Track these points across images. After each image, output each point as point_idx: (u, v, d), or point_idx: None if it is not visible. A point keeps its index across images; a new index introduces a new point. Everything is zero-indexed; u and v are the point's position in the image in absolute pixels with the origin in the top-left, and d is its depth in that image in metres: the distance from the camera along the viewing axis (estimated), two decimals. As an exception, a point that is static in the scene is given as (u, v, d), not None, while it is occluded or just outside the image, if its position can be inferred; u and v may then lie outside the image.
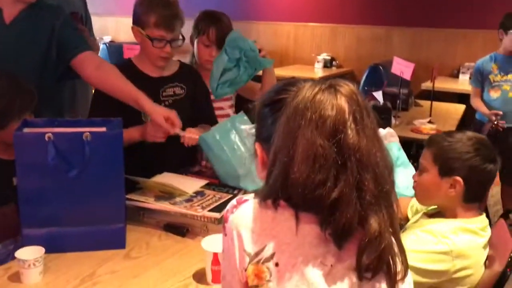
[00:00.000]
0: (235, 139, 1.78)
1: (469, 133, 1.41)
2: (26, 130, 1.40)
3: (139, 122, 1.82)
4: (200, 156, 2.03)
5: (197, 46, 2.12)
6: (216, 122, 1.99)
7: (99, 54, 2.44)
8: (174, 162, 1.87)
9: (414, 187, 1.49)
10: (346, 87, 0.82)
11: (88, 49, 1.84)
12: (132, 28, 1.87)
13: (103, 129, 1.46)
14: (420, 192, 1.48)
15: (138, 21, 1.85)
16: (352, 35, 5.83)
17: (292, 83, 0.90)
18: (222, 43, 2.03)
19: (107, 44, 5.54)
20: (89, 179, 1.38)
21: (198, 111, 1.99)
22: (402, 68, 3.27)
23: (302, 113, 0.80)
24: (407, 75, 3.25)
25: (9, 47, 1.76)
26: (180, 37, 1.88)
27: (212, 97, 2.08)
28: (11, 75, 1.61)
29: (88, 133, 1.35)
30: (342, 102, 0.80)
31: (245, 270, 0.83)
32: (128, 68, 1.86)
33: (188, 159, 2.00)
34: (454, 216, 1.39)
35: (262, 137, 0.93)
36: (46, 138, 1.32)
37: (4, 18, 1.76)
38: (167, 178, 1.72)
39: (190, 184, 1.71)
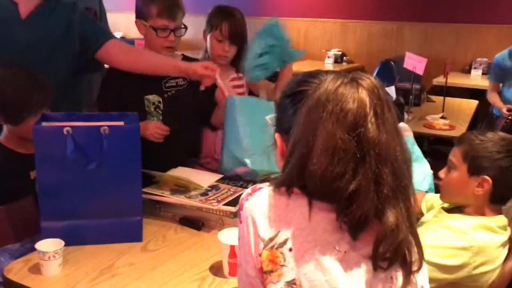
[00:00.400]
0: (258, 119, 1.77)
1: (501, 134, 1.40)
2: (44, 124, 1.42)
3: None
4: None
5: (210, 41, 2.13)
6: None
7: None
8: (174, 158, 1.89)
9: (440, 184, 1.48)
10: (368, 80, 0.82)
11: (112, 37, 1.90)
12: (136, 22, 1.91)
13: (121, 123, 1.47)
14: (447, 189, 1.46)
15: (140, 14, 1.90)
16: (363, 30, 5.81)
17: (313, 75, 0.90)
18: (235, 38, 2.05)
19: (118, 40, 5.58)
20: (107, 172, 1.39)
21: (200, 101, 2.01)
22: (414, 63, 3.25)
23: (323, 106, 0.81)
24: (419, 70, 3.23)
25: (25, 41, 1.76)
26: (182, 26, 1.93)
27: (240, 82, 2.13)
28: (27, 69, 1.62)
29: (106, 127, 1.37)
30: (364, 95, 0.80)
31: (260, 255, 0.84)
32: None
33: (188, 155, 2.05)
34: (474, 214, 1.39)
35: (283, 128, 0.93)
36: (65, 132, 1.34)
37: (20, 12, 1.77)
38: (182, 172, 1.73)
39: (205, 178, 1.72)
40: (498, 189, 1.35)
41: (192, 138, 2.09)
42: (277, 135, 0.95)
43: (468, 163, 1.37)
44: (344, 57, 5.79)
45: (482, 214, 1.39)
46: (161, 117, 1.93)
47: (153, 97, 1.92)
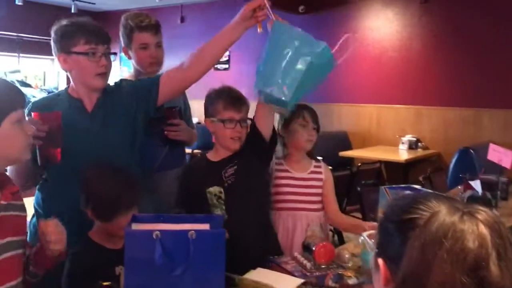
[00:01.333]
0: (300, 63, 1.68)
1: None
2: (134, 226, 1.46)
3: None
4: None
5: (295, 129, 2.18)
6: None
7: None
8: (246, 256, 1.82)
9: None
10: (486, 214, 0.77)
11: (160, 74, 1.94)
12: (205, 121, 1.97)
13: (207, 226, 1.48)
14: None
15: (208, 113, 1.96)
16: (438, 117, 5.71)
17: (421, 200, 0.86)
18: (316, 122, 2.19)
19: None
20: (192, 277, 1.38)
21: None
22: (500, 156, 3.09)
23: (439, 243, 0.76)
24: (506, 164, 3.07)
25: (95, 131, 1.80)
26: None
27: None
28: (122, 171, 1.69)
29: (193, 231, 1.38)
30: (484, 232, 0.75)
31: None
32: None
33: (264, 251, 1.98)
34: None
35: (387, 255, 0.88)
36: (154, 236, 1.36)
37: (86, 107, 1.82)
38: (262, 275, 1.69)
39: (286, 282, 1.66)
40: None
41: (263, 232, 2.03)
42: (380, 261, 0.89)
43: None
44: (419, 143, 5.66)
45: None
46: (224, 207, 1.92)
47: (214, 189, 1.93)
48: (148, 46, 2.22)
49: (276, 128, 2.12)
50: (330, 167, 4.21)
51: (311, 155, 2.26)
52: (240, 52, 7.44)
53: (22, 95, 1.32)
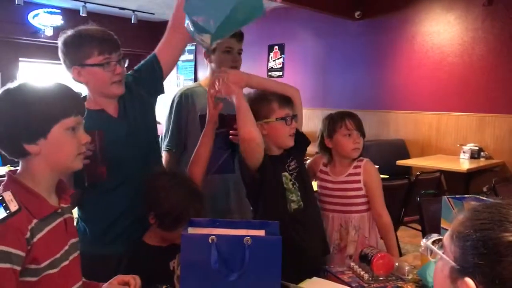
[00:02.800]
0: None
1: None
2: (190, 229, 1.46)
3: None
4: None
5: (339, 140, 2.14)
6: None
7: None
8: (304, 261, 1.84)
9: None
10: None
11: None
12: (258, 125, 1.88)
13: (262, 232, 1.47)
14: None
15: (261, 115, 1.91)
16: (502, 125, 5.43)
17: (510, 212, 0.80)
18: (361, 129, 2.16)
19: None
20: (247, 283, 1.36)
21: None
22: None
23: None
24: None
25: (128, 135, 1.79)
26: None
27: None
28: (189, 182, 1.73)
29: (249, 237, 1.36)
30: None
31: None
32: None
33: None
34: None
35: (478, 275, 0.80)
36: (210, 240, 1.36)
37: (111, 114, 1.79)
38: (318, 285, 1.65)
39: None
40: None
41: (323, 231, 2.05)
42: (469, 281, 0.81)
43: None
44: (482, 153, 5.41)
45: None
46: (299, 193, 1.91)
47: (288, 175, 1.93)
48: (232, 50, 2.28)
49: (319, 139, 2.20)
50: (386, 176, 4.12)
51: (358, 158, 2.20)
52: (294, 61, 7.43)
53: (79, 101, 1.28)
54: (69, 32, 1.73)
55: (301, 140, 1.99)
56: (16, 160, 1.23)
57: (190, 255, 1.38)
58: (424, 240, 1.12)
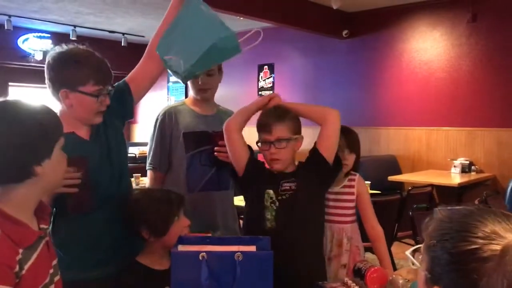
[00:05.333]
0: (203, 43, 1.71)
1: None
2: (180, 247, 1.45)
3: None
4: None
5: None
6: None
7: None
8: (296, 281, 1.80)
9: None
10: None
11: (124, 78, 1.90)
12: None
13: (253, 247, 1.45)
14: None
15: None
16: (492, 138, 5.48)
17: (475, 224, 0.79)
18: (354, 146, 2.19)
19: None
20: (239, 300, 1.35)
21: None
22: None
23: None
24: None
25: (101, 158, 1.75)
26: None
27: None
28: (151, 189, 1.84)
29: (239, 253, 1.35)
30: None
31: None
32: None
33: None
34: None
35: (444, 284, 0.82)
36: (200, 258, 1.34)
37: (82, 137, 1.73)
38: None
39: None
40: None
41: (314, 256, 1.96)
42: None
43: None
44: (472, 166, 5.44)
45: None
46: (274, 214, 1.87)
47: (271, 193, 1.90)
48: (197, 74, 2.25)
49: None
50: (378, 192, 4.12)
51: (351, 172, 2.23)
52: (284, 80, 7.49)
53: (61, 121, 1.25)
54: (63, 50, 1.66)
55: (319, 160, 1.91)
56: None
57: (180, 273, 1.36)
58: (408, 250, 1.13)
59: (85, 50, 1.71)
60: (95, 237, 1.70)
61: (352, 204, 2.17)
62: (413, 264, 0.95)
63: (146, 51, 1.91)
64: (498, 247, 0.75)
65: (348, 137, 2.18)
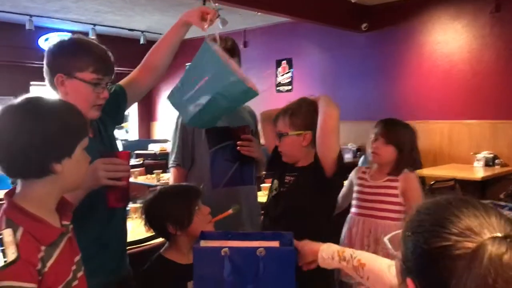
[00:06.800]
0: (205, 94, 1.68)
1: None
2: (203, 243, 1.44)
3: None
4: None
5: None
6: None
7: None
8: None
9: None
10: None
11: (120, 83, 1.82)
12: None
13: (276, 243, 1.44)
14: None
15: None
16: (517, 131, 5.36)
17: (450, 219, 0.75)
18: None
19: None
20: (262, 296, 1.34)
21: None
22: None
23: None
24: None
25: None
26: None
27: None
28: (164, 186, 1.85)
29: (262, 248, 1.34)
30: None
31: None
32: None
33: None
34: None
35: (417, 277, 0.79)
36: (222, 253, 1.34)
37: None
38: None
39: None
40: None
41: None
42: (409, 282, 0.80)
43: None
44: (496, 160, 5.33)
45: None
46: (271, 203, 1.95)
47: (277, 183, 1.95)
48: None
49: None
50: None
51: (397, 168, 2.18)
52: (303, 75, 7.45)
53: (87, 120, 1.24)
54: (67, 38, 1.61)
55: (318, 166, 1.81)
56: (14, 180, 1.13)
57: (202, 269, 1.35)
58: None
59: (90, 39, 1.65)
60: (88, 241, 1.47)
61: (395, 200, 2.12)
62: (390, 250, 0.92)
63: (143, 62, 1.84)
64: (471, 245, 0.71)
65: (389, 128, 2.18)
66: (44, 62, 1.57)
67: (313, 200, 1.85)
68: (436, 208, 0.80)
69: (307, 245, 1.48)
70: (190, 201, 1.72)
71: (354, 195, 2.27)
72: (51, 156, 1.08)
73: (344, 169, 1.90)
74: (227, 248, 1.34)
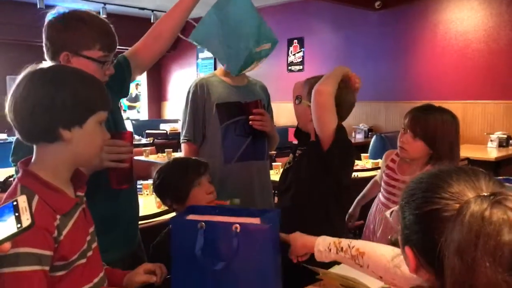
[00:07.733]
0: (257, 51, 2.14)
1: None
2: (190, 216, 1.40)
3: None
4: None
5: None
6: None
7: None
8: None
9: None
10: None
11: (124, 54, 1.78)
12: (303, 104, 1.86)
13: (257, 220, 1.39)
14: None
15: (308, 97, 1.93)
16: (532, 111, 5.20)
17: (441, 185, 0.77)
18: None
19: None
20: (235, 273, 1.29)
21: None
22: None
23: (475, 244, 0.69)
24: None
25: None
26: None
27: None
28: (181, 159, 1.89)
29: (237, 224, 1.29)
30: None
31: None
32: None
33: None
34: None
35: (413, 244, 0.82)
36: (199, 227, 1.30)
37: None
38: (349, 270, 1.56)
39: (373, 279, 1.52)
40: None
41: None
42: (408, 250, 0.83)
43: None
44: (510, 141, 5.20)
45: None
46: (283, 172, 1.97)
47: (291, 157, 1.94)
48: None
49: None
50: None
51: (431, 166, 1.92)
52: (314, 54, 7.33)
53: (109, 96, 1.20)
54: (66, 10, 1.51)
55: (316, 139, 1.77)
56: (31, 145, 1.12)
57: (179, 241, 1.32)
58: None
59: (90, 12, 1.56)
60: (97, 220, 1.40)
61: None
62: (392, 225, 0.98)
63: (151, 29, 1.80)
64: (457, 206, 0.73)
65: (418, 119, 1.94)
66: (44, 36, 1.50)
67: (313, 174, 1.80)
68: (428, 176, 0.83)
69: (299, 239, 1.46)
70: (188, 175, 1.70)
71: (383, 182, 2.12)
72: (58, 121, 1.07)
73: (345, 147, 1.79)
74: (203, 222, 1.30)
